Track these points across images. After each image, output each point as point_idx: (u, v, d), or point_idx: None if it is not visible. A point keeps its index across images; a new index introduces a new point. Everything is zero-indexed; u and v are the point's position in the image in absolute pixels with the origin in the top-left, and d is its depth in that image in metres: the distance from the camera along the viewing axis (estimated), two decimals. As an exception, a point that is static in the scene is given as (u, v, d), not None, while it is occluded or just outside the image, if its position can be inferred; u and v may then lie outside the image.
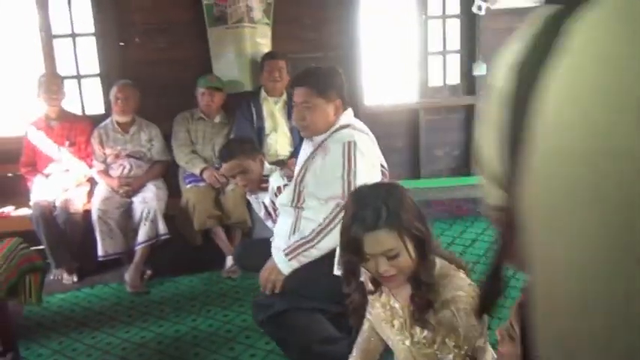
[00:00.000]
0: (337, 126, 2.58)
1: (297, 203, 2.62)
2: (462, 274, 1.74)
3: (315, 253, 2.48)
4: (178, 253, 4.00)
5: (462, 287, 1.67)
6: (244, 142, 3.38)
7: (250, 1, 4.45)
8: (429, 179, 5.21)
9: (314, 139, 2.63)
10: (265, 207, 3.25)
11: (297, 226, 2.62)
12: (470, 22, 5.25)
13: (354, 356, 1.99)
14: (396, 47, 7.11)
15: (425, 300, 1.68)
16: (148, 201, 3.88)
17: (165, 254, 3.97)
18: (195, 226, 3.90)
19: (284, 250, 2.53)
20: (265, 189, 3.17)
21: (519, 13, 5.30)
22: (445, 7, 5.27)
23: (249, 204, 4.05)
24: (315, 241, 2.48)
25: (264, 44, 4.56)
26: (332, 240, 2.41)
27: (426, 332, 1.71)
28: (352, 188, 2.33)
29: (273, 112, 4.31)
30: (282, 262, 2.52)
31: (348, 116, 2.64)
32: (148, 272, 3.91)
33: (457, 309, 1.61)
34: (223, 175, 4.05)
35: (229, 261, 3.91)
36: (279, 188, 3.04)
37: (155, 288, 3.77)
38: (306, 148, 2.72)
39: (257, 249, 3.30)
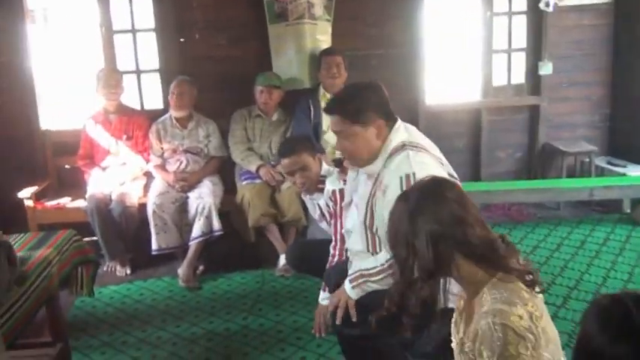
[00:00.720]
0: (390, 150, 2.29)
1: (374, 249, 2.41)
2: (523, 292, 1.58)
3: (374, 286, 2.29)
4: (231, 250, 3.99)
5: (512, 303, 1.53)
6: (305, 139, 3.33)
7: (310, -3, 4.39)
8: (490, 182, 5.04)
9: (367, 169, 2.36)
10: (320, 208, 3.18)
11: None
12: (537, 19, 5.06)
13: None
14: (460, 45, 6.95)
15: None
16: (204, 197, 3.87)
17: (219, 250, 3.96)
18: (250, 223, 3.87)
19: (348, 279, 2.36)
20: (322, 190, 3.09)
21: (587, 9, 5.10)
22: (511, 4, 5.10)
23: (304, 203, 4.02)
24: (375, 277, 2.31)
25: (325, 41, 4.49)
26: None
27: (470, 343, 1.60)
28: None
29: None
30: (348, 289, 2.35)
31: (398, 133, 2.33)
32: (201, 268, 3.90)
33: (494, 322, 1.49)
34: (280, 172, 4.04)
35: (282, 259, 3.86)
36: (334, 192, 2.96)
37: (207, 284, 3.76)
38: (363, 181, 2.47)
39: (310, 251, 3.24)
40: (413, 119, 4.81)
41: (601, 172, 4.96)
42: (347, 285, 2.37)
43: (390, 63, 4.80)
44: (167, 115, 4.18)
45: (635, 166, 4.84)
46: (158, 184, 4.02)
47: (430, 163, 2.26)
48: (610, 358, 1.19)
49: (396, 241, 1.69)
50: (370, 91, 2.38)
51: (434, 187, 1.73)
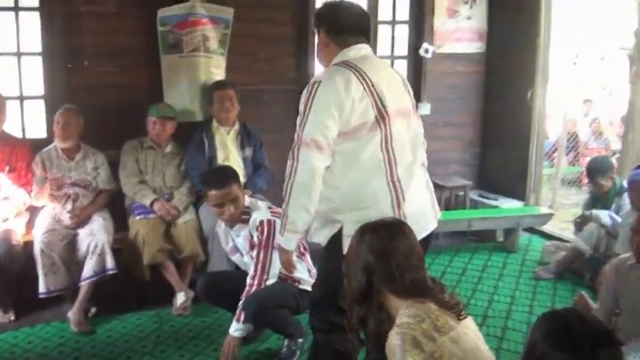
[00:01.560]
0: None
1: None
2: (433, 308, 1.80)
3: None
4: (124, 290, 3.76)
5: (417, 316, 1.76)
6: (233, 170, 3.32)
7: (207, 31, 4.36)
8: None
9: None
10: (233, 240, 3.17)
11: None
12: (417, 63, 5.41)
13: None
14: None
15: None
16: (96, 233, 3.64)
17: (110, 290, 3.72)
18: (145, 260, 3.71)
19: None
20: (245, 221, 3.10)
21: (461, 57, 5.54)
22: (394, 49, 5.40)
23: (201, 237, 3.94)
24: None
25: (218, 74, 4.47)
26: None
27: None
28: None
29: (225, 141, 4.23)
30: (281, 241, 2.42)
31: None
32: (93, 310, 3.64)
33: (397, 332, 1.74)
34: (175, 207, 3.94)
35: (180, 297, 3.74)
36: (261, 222, 3.00)
37: (101, 327, 3.52)
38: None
39: (223, 282, 3.25)
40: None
41: (475, 205, 5.36)
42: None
43: (281, 99, 4.87)
44: (52, 146, 3.90)
45: (506, 199, 5.32)
46: (44, 221, 3.70)
47: None
48: None
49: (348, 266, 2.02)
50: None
51: (392, 229, 1.97)
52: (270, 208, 3.20)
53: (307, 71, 4.92)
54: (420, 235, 2.26)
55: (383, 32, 5.39)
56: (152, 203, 3.92)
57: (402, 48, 5.46)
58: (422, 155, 2.57)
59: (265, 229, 3.07)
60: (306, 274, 3.18)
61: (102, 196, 3.99)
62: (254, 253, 3.09)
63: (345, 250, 2.23)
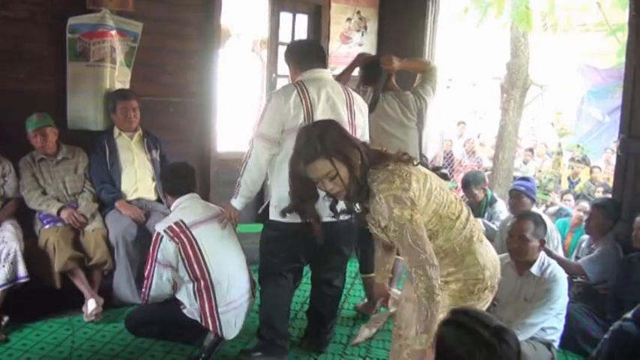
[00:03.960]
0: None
1: None
2: (399, 166, 2.18)
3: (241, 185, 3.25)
4: (33, 298, 3.73)
5: (388, 180, 2.14)
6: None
7: (115, 43, 4.43)
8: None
9: None
10: None
11: None
12: (313, 82, 5.74)
13: None
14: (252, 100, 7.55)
15: (358, 206, 2.27)
16: (7, 241, 3.59)
17: (21, 298, 3.68)
18: (57, 268, 3.72)
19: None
20: None
21: (352, 80, 5.92)
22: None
23: (109, 245, 4.00)
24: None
25: (122, 86, 4.54)
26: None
27: (372, 220, 2.24)
28: None
29: (128, 146, 4.34)
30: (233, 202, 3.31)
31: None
32: (6, 318, 3.56)
33: (379, 198, 2.13)
34: (82, 214, 3.98)
35: (91, 304, 3.78)
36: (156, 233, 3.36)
37: (14, 335, 3.49)
38: None
39: (150, 316, 3.53)
40: (205, 165, 5.12)
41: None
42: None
43: (185, 111, 5.03)
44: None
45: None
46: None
47: None
48: None
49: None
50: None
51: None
52: (171, 222, 3.32)
53: (211, 85, 5.12)
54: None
55: (283, 53, 5.68)
56: (59, 212, 3.93)
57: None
58: None
59: (152, 240, 3.31)
60: (186, 300, 3.34)
61: (11, 204, 3.95)
62: None
63: (271, 216, 3.27)
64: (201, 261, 3.23)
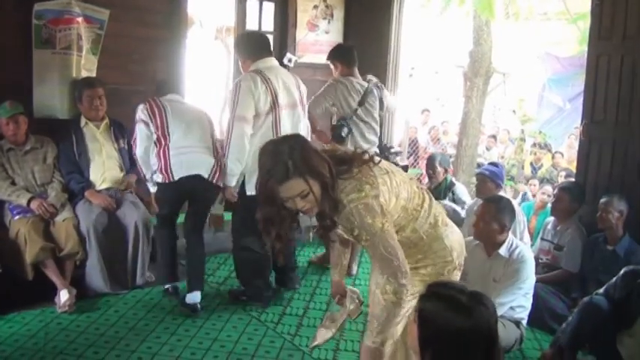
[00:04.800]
0: None
1: None
2: (364, 176, 2.11)
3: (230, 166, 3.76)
4: (5, 289, 3.67)
5: (358, 189, 2.07)
6: None
7: (81, 30, 4.37)
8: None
9: None
10: None
11: None
12: (281, 70, 5.75)
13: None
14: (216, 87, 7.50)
15: (329, 221, 2.12)
16: (-23, 232, 3.56)
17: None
18: (29, 259, 3.69)
19: None
20: None
21: (319, 67, 5.99)
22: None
23: (80, 235, 3.97)
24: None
25: (89, 74, 4.49)
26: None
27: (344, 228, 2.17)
28: None
29: (95, 135, 4.30)
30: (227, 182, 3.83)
31: None
32: (-22, 310, 3.54)
33: (350, 208, 2.06)
34: (52, 204, 3.93)
35: (64, 295, 3.74)
36: None
37: (-14, 327, 3.45)
38: None
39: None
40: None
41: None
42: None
43: (153, 100, 4.97)
44: None
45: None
46: None
47: None
48: (456, 329, 1.65)
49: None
50: None
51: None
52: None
53: (179, 73, 5.08)
54: None
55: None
56: (29, 202, 3.89)
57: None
58: (302, 132, 3.89)
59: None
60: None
61: (-20, 197, 3.88)
62: None
63: (248, 192, 3.81)
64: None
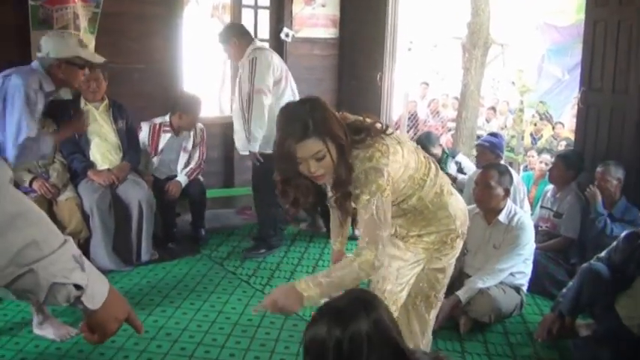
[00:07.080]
0: None
1: None
2: (377, 144, 2.10)
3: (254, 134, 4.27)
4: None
5: (370, 158, 2.07)
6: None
7: (77, 9, 4.37)
8: (242, 187, 5.58)
9: None
10: None
11: None
12: (278, 46, 5.73)
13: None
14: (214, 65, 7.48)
15: (344, 191, 2.11)
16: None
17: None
18: (33, 238, 3.71)
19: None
20: None
21: (317, 42, 5.99)
22: (257, 32, 5.68)
23: (84, 214, 4.01)
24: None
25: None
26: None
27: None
28: None
29: (95, 116, 4.29)
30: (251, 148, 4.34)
31: None
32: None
33: (361, 171, 2.06)
34: (54, 184, 3.96)
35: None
36: None
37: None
38: None
39: None
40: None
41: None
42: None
43: (150, 77, 5.01)
44: None
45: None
46: None
47: None
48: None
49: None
50: None
51: None
52: None
53: (176, 51, 5.09)
54: None
55: (246, 16, 5.67)
56: (31, 182, 3.91)
57: (264, 31, 5.78)
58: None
59: None
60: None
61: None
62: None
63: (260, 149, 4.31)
64: None
